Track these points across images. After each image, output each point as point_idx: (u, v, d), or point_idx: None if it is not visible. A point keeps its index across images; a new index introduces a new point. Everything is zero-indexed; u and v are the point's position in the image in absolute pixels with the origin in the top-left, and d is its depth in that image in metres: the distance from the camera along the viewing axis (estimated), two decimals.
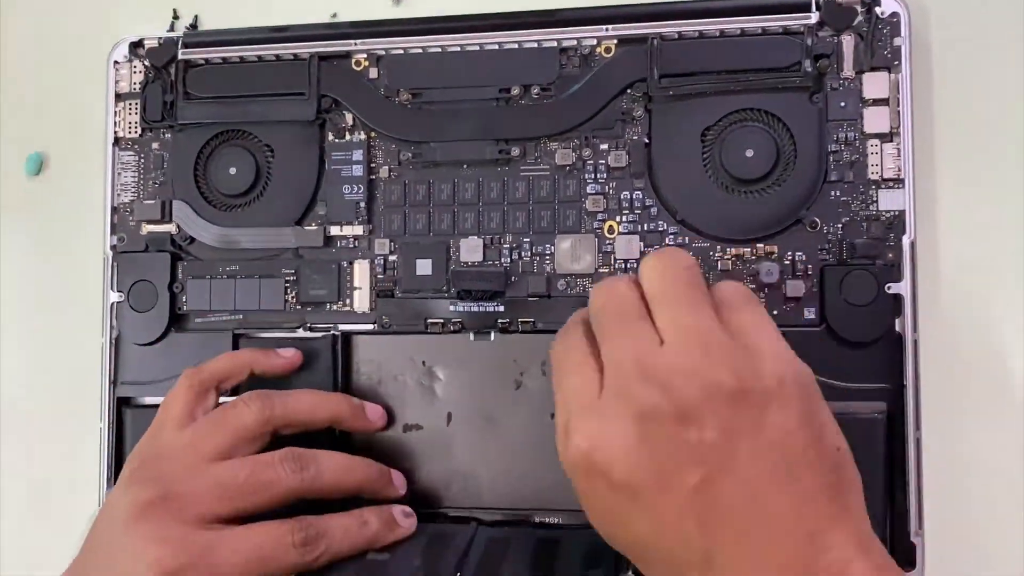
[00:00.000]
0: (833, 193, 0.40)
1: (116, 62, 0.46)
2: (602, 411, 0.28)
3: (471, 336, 0.42)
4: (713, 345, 0.28)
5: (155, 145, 0.46)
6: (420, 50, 0.43)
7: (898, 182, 0.40)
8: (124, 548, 0.34)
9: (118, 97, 0.46)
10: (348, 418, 0.41)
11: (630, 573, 0.36)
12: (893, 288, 0.39)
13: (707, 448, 0.27)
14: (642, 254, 0.41)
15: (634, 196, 0.42)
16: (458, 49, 0.43)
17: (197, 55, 0.45)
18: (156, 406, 0.44)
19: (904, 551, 0.38)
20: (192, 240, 0.45)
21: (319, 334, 0.43)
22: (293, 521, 0.36)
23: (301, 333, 0.44)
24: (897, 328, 0.39)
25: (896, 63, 0.40)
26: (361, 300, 0.43)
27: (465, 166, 0.43)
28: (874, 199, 0.40)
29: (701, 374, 0.28)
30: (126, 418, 0.45)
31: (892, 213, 0.40)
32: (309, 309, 0.44)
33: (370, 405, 0.42)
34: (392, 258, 0.43)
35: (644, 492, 0.28)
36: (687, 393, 0.27)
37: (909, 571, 0.38)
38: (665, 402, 0.28)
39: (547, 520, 0.41)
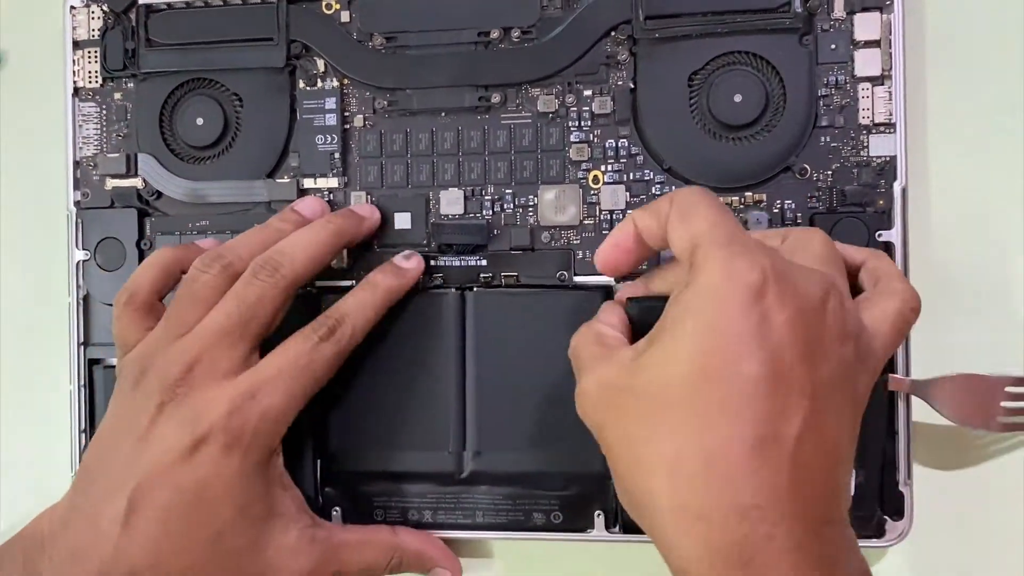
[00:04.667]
0: (823, 139, 0.39)
1: (72, 7, 0.44)
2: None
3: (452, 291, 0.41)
4: None
5: (117, 95, 0.44)
6: None
7: (889, 127, 0.39)
8: (162, 438, 0.34)
9: (76, 45, 0.44)
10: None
11: None
12: (884, 236, 0.38)
13: None
14: (628, 204, 0.40)
15: (619, 144, 0.40)
16: None
17: None
18: None
19: (892, 500, 0.38)
20: (159, 195, 0.43)
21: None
22: (312, 323, 0.37)
23: None
24: None
25: (888, 3, 0.39)
26: (338, 255, 0.42)
27: (443, 114, 0.41)
28: (865, 144, 0.39)
29: None
30: (97, 380, 0.43)
31: (883, 159, 0.39)
32: None
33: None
34: None
35: None
36: None
37: (897, 520, 0.38)
38: None
39: None
